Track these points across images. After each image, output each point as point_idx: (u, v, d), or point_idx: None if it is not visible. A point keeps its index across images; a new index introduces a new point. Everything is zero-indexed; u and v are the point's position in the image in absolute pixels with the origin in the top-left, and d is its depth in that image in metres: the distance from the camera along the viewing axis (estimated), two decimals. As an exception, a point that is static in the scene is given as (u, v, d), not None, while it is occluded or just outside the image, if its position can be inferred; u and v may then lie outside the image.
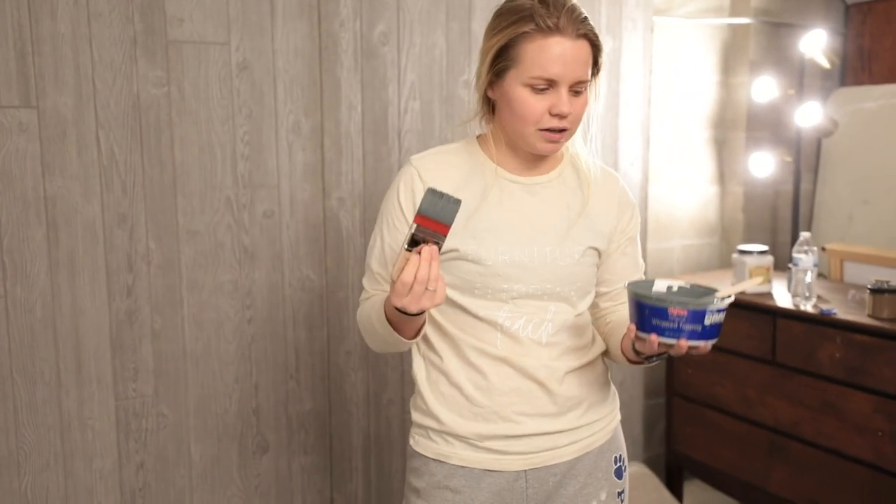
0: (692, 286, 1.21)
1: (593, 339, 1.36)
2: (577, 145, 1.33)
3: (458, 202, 1.06)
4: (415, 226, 1.06)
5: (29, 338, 1.78)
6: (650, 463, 2.81)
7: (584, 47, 1.19)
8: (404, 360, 2.21)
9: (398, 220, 1.29)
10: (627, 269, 1.37)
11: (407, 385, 2.23)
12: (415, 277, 1.07)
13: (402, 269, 1.08)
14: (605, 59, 1.25)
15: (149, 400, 1.92)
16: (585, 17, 1.19)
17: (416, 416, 1.35)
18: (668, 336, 1.11)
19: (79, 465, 1.86)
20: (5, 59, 1.69)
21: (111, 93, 1.79)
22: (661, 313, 1.10)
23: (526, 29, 1.17)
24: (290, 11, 1.96)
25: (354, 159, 2.09)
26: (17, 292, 1.75)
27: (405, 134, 2.14)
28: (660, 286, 1.20)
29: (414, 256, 1.08)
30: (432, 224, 1.07)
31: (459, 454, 1.29)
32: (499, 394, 1.27)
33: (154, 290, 1.89)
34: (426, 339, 1.33)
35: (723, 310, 1.11)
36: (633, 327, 1.14)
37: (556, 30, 1.16)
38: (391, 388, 2.21)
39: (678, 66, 2.71)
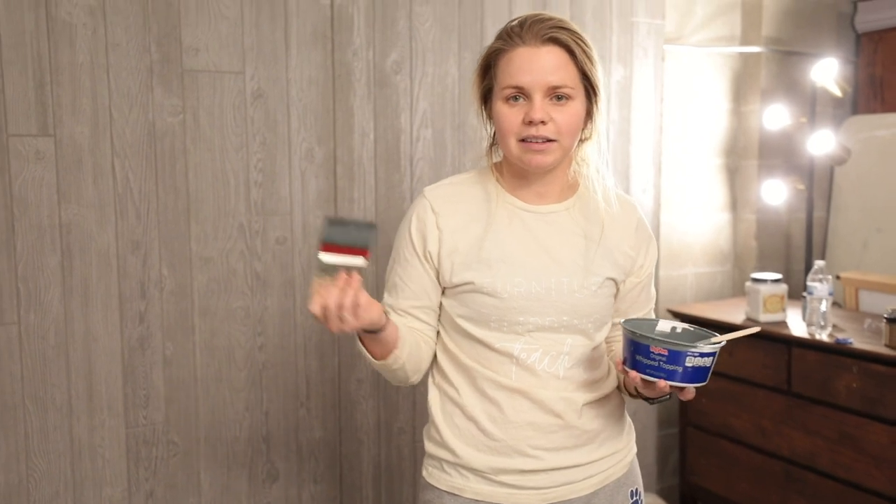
0: (696, 329, 1.21)
1: (609, 371, 1.35)
2: (591, 172, 1.31)
3: (370, 226, 1.05)
4: (320, 254, 1.05)
5: (41, 364, 1.78)
6: (664, 494, 2.77)
7: (552, 52, 1.18)
8: (416, 389, 2.20)
9: (409, 253, 1.29)
10: (646, 302, 1.38)
11: (418, 414, 2.21)
12: (324, 306, 1.07)
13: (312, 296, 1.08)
14: (598, 71, 1.22)
15: (159, 427, 1.91)
16: (557, 26, 1.19)
17: (429, 448, 1.33)
18: (649, 374, 1.12)
19: (88, 493, 1.85)
20: (24, 89, 1.71)
21: (127, 121, 1.81)
22: (644, 350, 1.12)
23: (496, 46, 1.22)
24: (304, 41, 1.98)
25: (367, 187, 2.09)
26: (30, 319, 1.76)
27: (417, 162, 2.15)
28: (663, 326, 1.21)
29: (324, 287, 1.07)
30: (342, 250, 1.05)
31: (474, 488, 1.27)
32: (514, 427, 1.25)
33: (166, 316, 1.89)
34: (440, 370, 1.32)
35: (708, 354, 1.11)
36: (619, 361, 1.17)
37: (521, 42, 1.19)
38: (402, 417, 2.20)
39: (690, 94, 2.72)
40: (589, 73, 1.21)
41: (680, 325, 1.22)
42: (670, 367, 1.10)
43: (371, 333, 1.18)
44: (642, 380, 1.13)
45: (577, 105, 1.21)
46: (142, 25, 1.80)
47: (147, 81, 1.82)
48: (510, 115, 1.20)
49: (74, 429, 1.82)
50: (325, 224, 1.04)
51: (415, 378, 1.31)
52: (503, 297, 1.23)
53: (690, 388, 1.13)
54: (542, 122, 1.18)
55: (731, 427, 2.45)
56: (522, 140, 1.20)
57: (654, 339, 1.11)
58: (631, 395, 1.31)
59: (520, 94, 1.19)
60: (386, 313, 1.20)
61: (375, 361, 1.24)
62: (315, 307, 1.07)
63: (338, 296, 1.07)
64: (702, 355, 1.10)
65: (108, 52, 1.78)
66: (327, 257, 1.06)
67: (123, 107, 1.81)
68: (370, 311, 1.12)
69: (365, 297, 1.10)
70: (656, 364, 1.11)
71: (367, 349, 1.23)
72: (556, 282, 1.24)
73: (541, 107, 1.17)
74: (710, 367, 1.13)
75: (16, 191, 1.72)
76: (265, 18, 1.93)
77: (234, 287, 1.96)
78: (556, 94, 1.19)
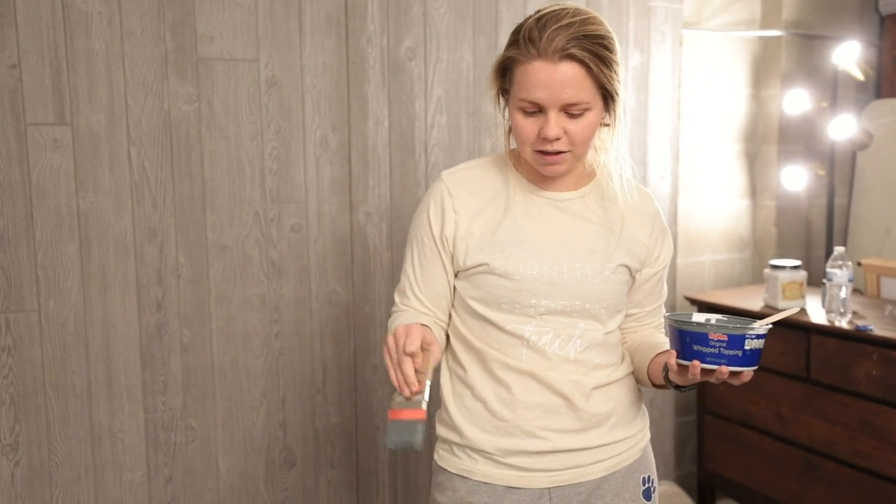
0: (730, 318, 1.22)
1: (623, 357, 1.35)
2: (609, 161, 1.30)
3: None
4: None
5: (61, 351, 1.80)
6: (682, 482, 2.76)
7: (570, 69, 1.14)
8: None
9: (427, 236, 1.30)
10: (660, 295, 1.39)
11: (433, 399, 2.21)
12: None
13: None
14: (618, 76, 1.19)
15: (177, 413, 1.93)
16: (577, 36, 1.13)
17: (440, 430, 1.34)
18: (710, 362, 1.13)
19: (109, 477, 1.87)
20: (41, 78, 1.73)
21: (143, 109, 1.82)
22: (702, 339, 1.12)
23: (512, 53, 1.18)
24: (317, 28, 1.98)
25: (381, 174, 2.09)
26: (50, 306, 1.78)
27: (432, 148, 2.15)
28: (698, 318, 1.22)
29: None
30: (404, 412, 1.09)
31: (482, 470, 1.28)
32: (522, 408, 1.26)
33: (183, 303, 1.91)
34: (452, 353, 1.33)
35: (762, 336, 1.13)
36: (674, 353, 1.16)
37: (537, 56, 1.14)
38: (418, 403, 2.20)
39: (708, 78, 2.68)
40: (606, 83, 1.18)
41: (713, 317, 1.22)
42: (730, 353, 1.11)
43: None
44: (702, 369, 1.13)
45: (593, 115, 1.19)
46: (156, 14, 1.81)
47: (162, 70, 1.83)
48: (525, 125, 1.20)
49: (94, 414, 1.85)
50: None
51: None
52: (516, 278, 1.23)
53: (748, 371, 1.14)
54: (557, 139, 1.18)
55: (750, 415, 2.43)
56: (536, 151, 1.21)
57: (711, 325, 1.12)
58: (656, 385, 1.30)
59: (534, 107, 1.18)
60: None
61: None
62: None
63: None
64: (758, 337, 1.12)
65: (123, 41, 1.79)
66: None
67: (139, 95, 1.82)
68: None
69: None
70: (717, 351, 1.12)
71: None
72: (570, 267, 1.24)
73: (555, 123, 1.17)
74: (762, 350, 1.14)
75: (34, 179, 1.74)
76: (279, 5, 1.93)
77: (249, 274, 1.97)
78: (571, 112, 1.18)
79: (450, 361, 1.34)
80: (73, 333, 1.81)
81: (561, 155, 1.20)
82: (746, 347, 1.11)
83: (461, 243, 1.27)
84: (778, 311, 2.33)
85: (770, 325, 1.14)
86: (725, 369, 1.12)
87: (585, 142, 1.21)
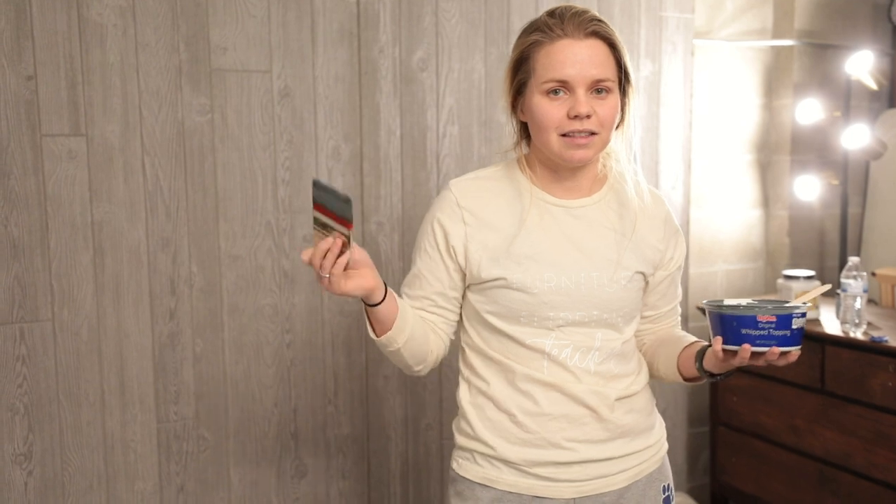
0: (760, 301, 1.21)
1: (640, 366, 1.34)
2: (621, 165, 1.30)
3: (348, 200, 1.05)
4: (315, 213, 1.08)
5: (75, 360, 1.81)
6: (694, 493, 2.74)
7: (595, 46, 1.18)
8: (443, 384, 2.20)
9: (430, 246, 1.28)
10: (674, 296, 1.37)
11: (445, 410, 2.21)
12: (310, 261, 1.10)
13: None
14: (629, 62, 1.23)
15: (189, 423, 1.94)
16: (596, 19, 1.19)
17: (460, 440, 1.33)
18: (759, 344, 1.12)
19: (121, 486, 1.88)
20: (57, 89, 1.74)
21: (157, 120, 1.84)
22: (751, 322, 1.12)
23: (535, 38, 1.20)
24: (330, 39, 1.99)
25: (393, 184, 2.10)
26: (64, 315, 1.79)
27: (444, 158, 2.15)
28: (731, 304, 1.20)
29: (319, 240, 1.09)
30: (331, 215, 1.07)
31: (507, 479, 1.27)
32: (549, 419, 1.25)
33: (196, 313, 1.92)
34: (469, 365, 1.32)
35: (804, 314, 1.13)
36: (720, 339, 1.14)
37: (563, 35, 1.18)
38: (430, 413, 2.20)
39: (720, 88, 2.68)
40: (626, 65, 1.22)
41: (742, 301, 1.21)
42: (780, 333, 1.11)
43: (370, 307, 1.19)
44: (752, 352, 1.12)
45: (615, 98, 1.21)
46: (170, 25, 1.83)
47: (176, 81, 1.85)
48: (551, 109, 1.19)
49: (107, 424, 1.85)
50: (315, 187, 1.07)
51: (418, 368, 1.30)
52: (533, 292, 1.22)
53: (796, 350, 1.14)
54: (587, 116, 1.18)
55: (763, 426, 2.41)
56: (564, 135, 1.19)
57: (760, 307, 1.12)
58: (686, 378, 1.29)
59: (561, 87, 1.18)
60: (388, 292, 1.20)
61: (374, 338, 1.24)
62: (305, 255, 1.09)
63: (320, 257, 1.08)
64: (801, 315, 1.12)
65: (137, 52, 1.80)
66: (323, 217, 1.08)
67: (153, 106, 1.83)
68: (360, 278, 1.12)
69: (356, 258, 1.11)
70: (766, 332, 1.11)
71: (369, 323, 1.24)
72: (587, 276, 1.24)
73: (585, 101, 1.17)
74: (804, 328, 1.14)
75: (49, 190, 1.76)
76: (292, 17, 1.95)
77: (262, 284, 1.98)
78: (598, 88, 1.18)
79: (466, 373, 1.33)
80: (86, 343, 1.82)
81: (590, 137, 1.19)
82: (794, 326, 1.12)
83: (473, 255, 1.25)
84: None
85: (810, 304, 1.15)
86: (777, 350, 1.11)
87: (611, 125, 1.22)
